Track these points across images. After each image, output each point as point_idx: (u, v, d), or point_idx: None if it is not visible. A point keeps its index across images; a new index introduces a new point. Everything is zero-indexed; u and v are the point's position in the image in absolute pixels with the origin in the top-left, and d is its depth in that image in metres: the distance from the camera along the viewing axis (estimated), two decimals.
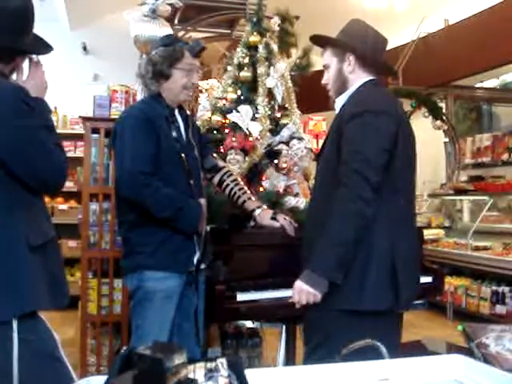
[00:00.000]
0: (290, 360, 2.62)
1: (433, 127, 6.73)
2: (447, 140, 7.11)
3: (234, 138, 2.85)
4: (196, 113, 3.08)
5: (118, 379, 0.88)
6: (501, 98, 7.28)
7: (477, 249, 5.36)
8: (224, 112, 3.00)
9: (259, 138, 2.86)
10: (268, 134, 2.92)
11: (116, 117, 2.58)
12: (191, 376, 0.90)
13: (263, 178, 2.88)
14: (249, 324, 3.07)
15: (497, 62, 5.77)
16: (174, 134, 2.20)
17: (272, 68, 3.03)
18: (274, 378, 1.12)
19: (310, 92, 3.43)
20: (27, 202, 1.52)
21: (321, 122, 3.97)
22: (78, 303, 3.18)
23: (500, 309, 4.89)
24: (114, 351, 3.00)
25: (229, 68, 3.11)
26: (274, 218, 2.38)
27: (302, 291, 1.69)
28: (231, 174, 2.49)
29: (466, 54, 5.94)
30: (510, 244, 5.28)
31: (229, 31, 4.26)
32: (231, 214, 2.55)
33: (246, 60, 3.08)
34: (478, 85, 7.19)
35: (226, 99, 3.08)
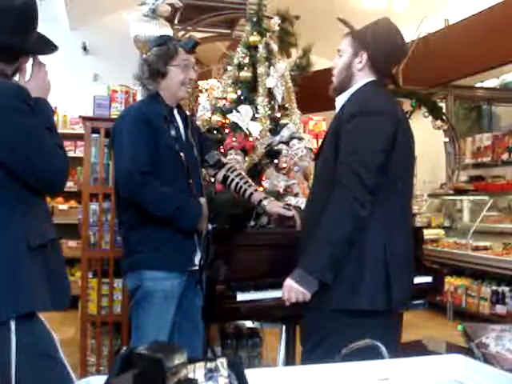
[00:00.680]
0: (289, 360, 2.61)
1: (433, 127, 6.73)
2: (447, 140, 7.10)
3: (234, 138, 2.85)
4: (196, 113, 3.09)
5: (118, 379, 0.88)
6: (501, 97, 7.28)
7: (477, 249, 5.36)
8: (224, 112, 3.00)
9: (259, 137, 2.86)
10: (268, 133, 2.93)
11: (116, 117, 2.58)
12: (191, 376, 0.90)
13: (263, 178, 2.88)
14: (249, 324, 3.07)
15: (497, 62, 5.77)
16: (173, 133, 2.20)
17: (272, 68, 3.03)
18: (274, 378, 1.12)
19: (309, 92, 3.43)
20: (28, 203, 1.51)
21: (321, 122, 3.97)
22: (78, 303, 3.18)
23: (500, 309, 4.89)
24: (113, 351, 3.00)
25: (229, 68, 3.11)
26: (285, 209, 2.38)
27: (292, 289, 1.70)
28: (235, 169, 2.49)
29: (466, 54, 5.93)
30: (510, 244, 5.28)
31: (229, 31, 4.26)
32: (231, 213, 2.55)
33: (246, 60, 3.08)
34: (478, 85, 7.19)
35: (225, 99, 3.08)
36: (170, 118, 2.23)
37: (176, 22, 3.94)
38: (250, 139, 2.86)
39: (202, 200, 2.21)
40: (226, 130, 2.95)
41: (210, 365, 0.93)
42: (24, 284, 1.45)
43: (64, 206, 5.86)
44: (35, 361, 1.46)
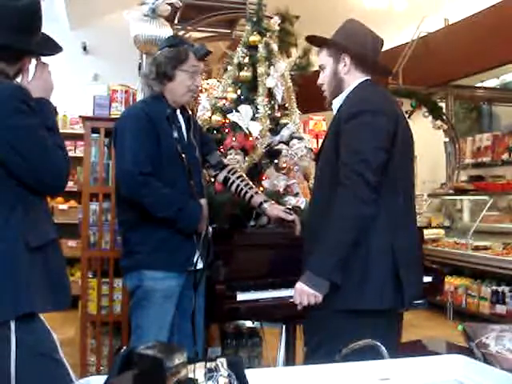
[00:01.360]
0: (289, 360, 2.61)
1: (433, 127, 6.73)
2: (447, 140, 7.11)
3: (234, 138, 2.85)
4: (196, 113, 3.08)
5: (118, 379, 0.88)
6: (501, 97, 7.28)
7: (477, 248, 5.36)
8: (224, 112, 3.00)
9: (259, 137, 2.86)
10: (268, 133, 2.92)
11: (116, 116, 2.58)
12: (191, 376, 0.90)
13: (263, 178, 2.88)
14: (249, 324, 3.07)
15: (497, 62, 5.77)
16: (175, 134, 2.20)
17: (272, 68, 3.02)
18: (274, 377, 1.12)
19: (309, 92, 3.42)
20: (28, 203, 1.51)
21: (321, 122, 3.97)
22: (78, 303, 3.18)
23: (500, 308, 4.89)
24: (113, 351, 3.00)
25: (229, 68, 3.11)
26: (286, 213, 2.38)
27: (303, 292, 1.70)
28: (236, 171, 2.49)
29: (466, 54, 5.93)
30: (510, 244, 5.28)
31: (229, 31, 4.26)
32: (232, 213, 2.55)
33: (246, 60, 3.08)
34: (478, 85, 7.19)
35: (225, 99, 3.07)
36: (173, 119, 2.23)
37: (176, 21, 3.95)
38: (250, 139, 2.86)
39: (203, 201, 2.21)
40: (226, 130, 2.95)
41: (210, 365, 0.93)
42: (24, 284, 1.44)
43: (64, 206, 5.86)
44: (35, 361, 1.46)
